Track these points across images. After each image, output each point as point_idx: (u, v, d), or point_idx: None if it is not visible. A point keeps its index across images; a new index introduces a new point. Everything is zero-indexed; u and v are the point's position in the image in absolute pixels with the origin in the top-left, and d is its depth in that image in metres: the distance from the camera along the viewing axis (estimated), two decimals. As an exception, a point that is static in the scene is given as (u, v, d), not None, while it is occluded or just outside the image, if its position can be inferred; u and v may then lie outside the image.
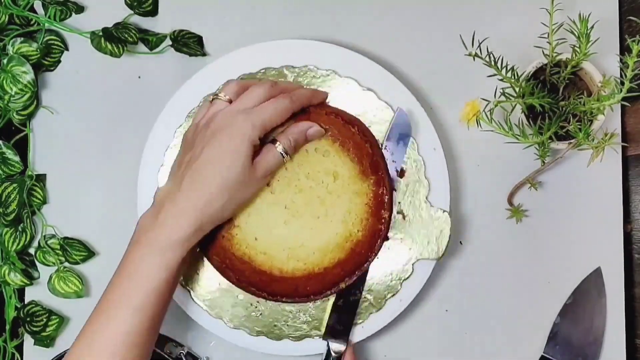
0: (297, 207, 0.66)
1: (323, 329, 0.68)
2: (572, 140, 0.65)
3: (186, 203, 0.59)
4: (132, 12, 0.73)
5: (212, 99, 0.64)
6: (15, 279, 0.71)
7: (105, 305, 0.58)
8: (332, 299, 0.67)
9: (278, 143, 0.63)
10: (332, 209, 0.66)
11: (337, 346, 0.67)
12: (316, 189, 0.66)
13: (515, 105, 0.64)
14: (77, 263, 0.72)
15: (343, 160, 0.66)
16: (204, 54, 0.73)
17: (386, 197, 0.66)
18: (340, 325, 0.67)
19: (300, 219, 0.66)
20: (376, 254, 0.67)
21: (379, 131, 0.68)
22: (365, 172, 0.66)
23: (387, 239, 0.67)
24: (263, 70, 0.69)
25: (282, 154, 0.64)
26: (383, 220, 0.66)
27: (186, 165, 0.61)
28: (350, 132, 0.67)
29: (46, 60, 0.73)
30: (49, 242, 0.72)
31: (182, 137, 0.65)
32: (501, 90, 0.63)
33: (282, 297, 0.66)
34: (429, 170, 0.68)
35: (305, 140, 0.66)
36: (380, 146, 0.67)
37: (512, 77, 0.63)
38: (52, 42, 0.73)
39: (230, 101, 0.64)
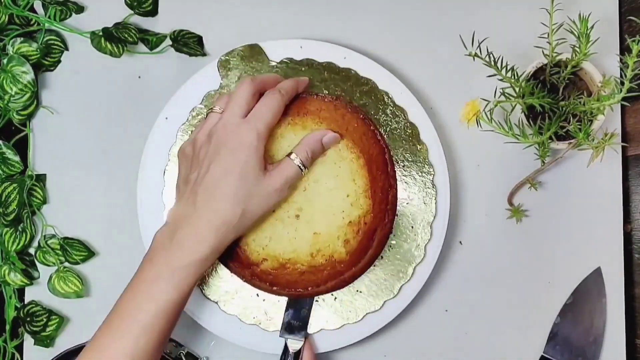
0: (306, 213, 0.65)
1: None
2: (572, 140, 0.65)
3: (203, 224, 0.58)
4: (132, 12, 0.73)
5: (207, 113, 0.64)
6: (15, 279, 0.71)
7: (114, 321, 0.58)
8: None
9: (294, 155, 0.62)
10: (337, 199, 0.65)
11: (294, 343, 0.66)
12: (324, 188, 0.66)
13: (515, 105, 0.64)
14: (77, 263, 0.72)
15: (350, 157, 0.66)
16: (204, 54, 0.73)
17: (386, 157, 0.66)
18: (297, 321, 0.67)
19: (310, 222, 0.65)
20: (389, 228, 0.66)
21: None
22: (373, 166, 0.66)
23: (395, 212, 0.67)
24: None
25: (299, 167, 0.62)
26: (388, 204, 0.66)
27: (195, 183, 0.60)
28: (361, 126, 0.66)
29: (46, 60, 0.73)
30: (49, 242, 0.72)
31: (179, 153, 0.65)
32: (501, 90, 0.63)
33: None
34: (429, 170, 0.68)
35: (322, 149, 0.65)
36: (384, 137, 0.67)
37: (512, 77, 0.63)
38: (52, 42, 0.73)
39: None
